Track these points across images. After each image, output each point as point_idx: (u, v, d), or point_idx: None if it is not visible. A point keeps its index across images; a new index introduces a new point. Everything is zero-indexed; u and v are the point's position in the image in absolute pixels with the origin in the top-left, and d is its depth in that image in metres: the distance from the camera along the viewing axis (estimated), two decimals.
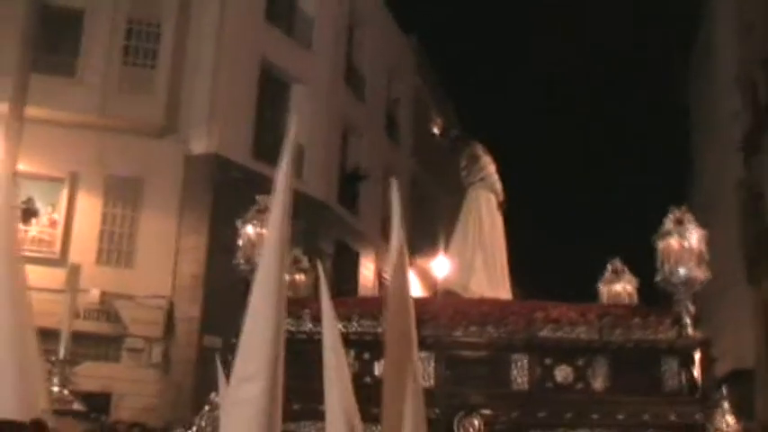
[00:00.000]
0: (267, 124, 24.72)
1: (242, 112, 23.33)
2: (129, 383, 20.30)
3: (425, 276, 27.50)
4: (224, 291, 19.71)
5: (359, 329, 9.64)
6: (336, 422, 4.74)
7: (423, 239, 28.76)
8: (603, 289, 12.88)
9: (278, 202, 4.00)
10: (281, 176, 4.10)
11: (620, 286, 12.74)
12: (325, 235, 25.73)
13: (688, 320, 9.71)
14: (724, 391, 9.73)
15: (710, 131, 42.09)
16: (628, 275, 12.88)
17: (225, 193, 21.24)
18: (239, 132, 23.06)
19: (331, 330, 4.82)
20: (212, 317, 20.57)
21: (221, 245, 20.30)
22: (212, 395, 9.05)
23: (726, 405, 9.31)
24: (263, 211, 10.40)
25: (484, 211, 12.39)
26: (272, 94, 25.25)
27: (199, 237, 21.71)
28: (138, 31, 22.59)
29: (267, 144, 24.42)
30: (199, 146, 22.42)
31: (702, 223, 10.45)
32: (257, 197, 10.58)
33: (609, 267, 13.01)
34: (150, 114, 22.16)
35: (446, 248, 14.85)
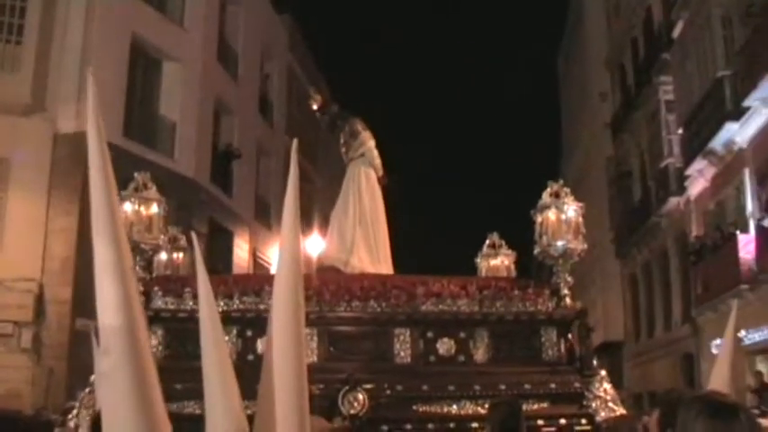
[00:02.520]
0: (138, 102, 24.26)
1: (112, 90, 22.71)
2: None
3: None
4: None
5: (241, 306, 9.57)
6: (216, 402, 4.62)
7: None
8: (482, 263, 13.08)
9: (92, 164, 3.81)
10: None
11: (498, 260, 12.97)
12: (199, 214, 25.44)
13: (566, 291, 9.94)
14: (604, 372, 9.98)
15: (581, 110, 43.09)
16: (505, 249, 13.11)
17: None
18: (109, 110, 22.40)
19: (208, 308, 4.68)
20: (84, 299, 20.02)
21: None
22: (91, 377, 8.83)
23: (603, 373, 9.57)
24: (141, 188, 10.21)
25: (364, 186, 12.38)
26: (143, 71, 24.77)
27: (69, 218, 21.10)
28: (3, 6, 21.71)
29: (138, 122, 23.98)
30: (67, 124, 21.74)
31: (575, 198, 10.68)
32: (135, 174, 10.35)
33: (487, 242, 13.21)
34: (16, 92, 21.39)
35: (320, 227, 14.83)
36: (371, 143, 12.71)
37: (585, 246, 10.26)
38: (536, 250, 10.26)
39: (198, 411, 7.92)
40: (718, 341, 23.84)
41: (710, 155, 23.67)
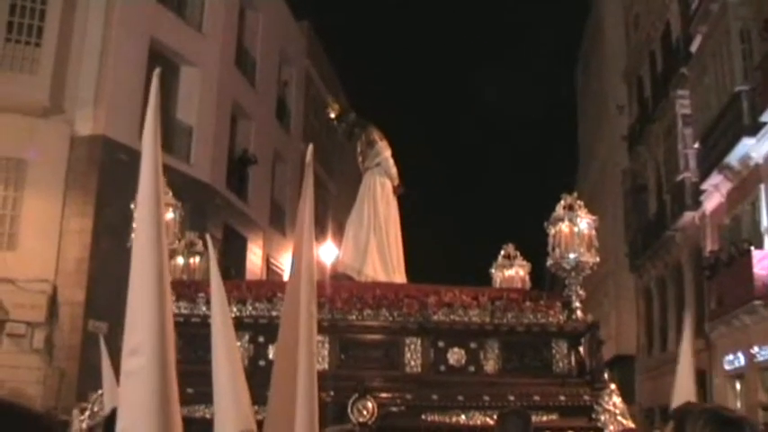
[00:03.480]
0: None
1: (130, 93, 22.73)
2: (10, 370, 19.70)
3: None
4: (110, 274, 19.36)
5: (253, 313, 9.60)
6: (226, 406, 4.62)
7: None
8: (497, 274, 13.10)
9: (145, 164, 3.84)
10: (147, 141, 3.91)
11: (513, 271, 12.97)
12: (213, 219, 25.50)
13: (577, 304, 9.94)
14: (613, 386, 9.99)
15: (598, 122, 42.97)
16: (520, 260, 13.12)
17: (111, 175, 20.81)
18: (126, 113, 22.48)
19: (221, 311, 4.69)
20: (98, 301, 20.17)
21: (107, 228, 19.93)
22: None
23: (613, 386, 9.55)
24: None
25: (379, 195, 12.40)
26: (161, 75, 24.80)
27: (84, 219, 21.20)
28: (23, 7, 21.76)
29: None
30: (85, 127, 21.86)
31: (590, 211, 10.70)
32: None
33: (502, 252, 13.23)
34: (34, 94, 21.43)
35: (334, 234, 14.80)
36: (388, 153, 12.72)
37: (598, 259, 10.28)
38: (549, 262, 10.28)
39: (208, 416, 7.94)
40: (730, 356, 23.79)
41: (726, 170, 23.62)
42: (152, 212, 3.66)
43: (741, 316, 22.33)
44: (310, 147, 5.14)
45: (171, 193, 10.54)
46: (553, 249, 10.21)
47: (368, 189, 12.50)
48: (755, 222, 22.57)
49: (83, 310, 20.64)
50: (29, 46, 21.81)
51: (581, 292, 10.04)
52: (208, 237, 6.32)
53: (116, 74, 22.33)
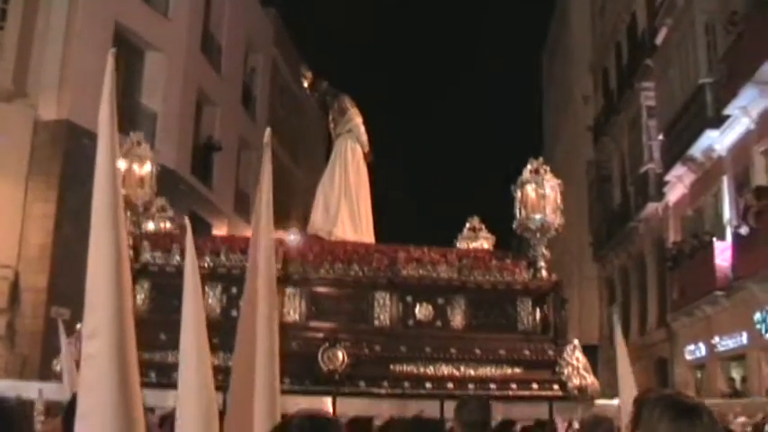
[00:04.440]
0: (120, 91, 24.14)
1: (94, 78, 22.28)
2: None
3: (278, 248, 27.35)
4: (73, 260, 19.12)
5: (227, 263, 9.69)
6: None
7: (276, 212, 28.62)
8: (462, 246, 13.21)
9: (101, 151, 3.84)
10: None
11: (478, 243, 13.12)
12: (178, 205, 25.25)
13: (542, 264, 10.12)
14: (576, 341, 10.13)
15: (564, 111, 43.07)
16: (485, 233, 13.27)
17: (75, 160, 20.60)
18: (91, 98, 21.96)
19: (193, 295, 4.67)
20: (61, 287, 19.97)
21: (71, 213, 19.76)
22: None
23: (576, 342, 9.74)
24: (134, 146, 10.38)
25: (350, 160, 12.57)
26: (125, 60, 24.66)
27: (47, 205, 20.99)
28: None
29: (119, 111, 23.79)
30: (48, 112, 21.66)
31: None
32: (130, 134, 10.53)
33: (467, 225, 13.37)
34: None
35: (299, 222, 14.84)
36: (359, 120, 12.92)
37: (562, 220, 10.47)
38: (515, 224, 10.44)
39: None
40: (692, 346, 23.97)
41: (690, 161, 23.78)
42: (109, 195, 3.65)
43: (703, 307, 22.50)
44: (268, 130, 5.25)
45: (147, 147, 10.68)
46: (519, 212, 10.39)
47: (339, 154, 12.67)
48: (718, 214, 22.77)
49: (45, 296, 20.45)
50: None
51: (546, 252, 10.23)
52: (186, 221, 6.29)
53: (80, 58, 22.08)
